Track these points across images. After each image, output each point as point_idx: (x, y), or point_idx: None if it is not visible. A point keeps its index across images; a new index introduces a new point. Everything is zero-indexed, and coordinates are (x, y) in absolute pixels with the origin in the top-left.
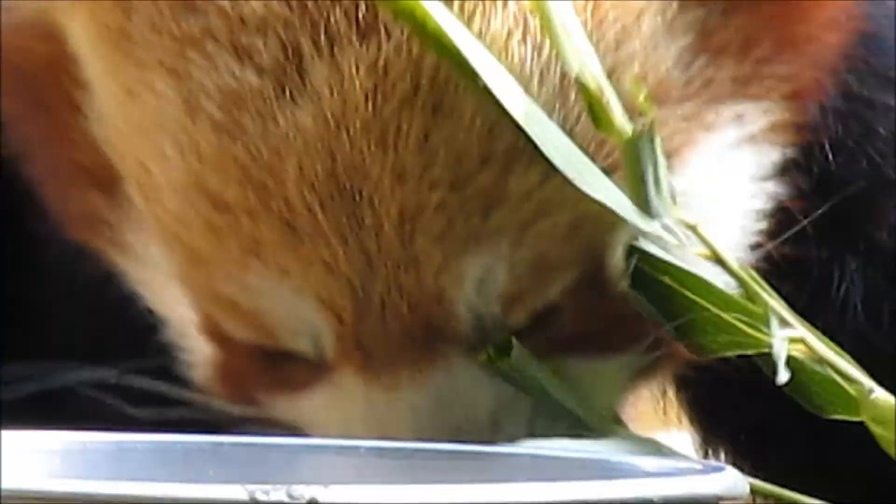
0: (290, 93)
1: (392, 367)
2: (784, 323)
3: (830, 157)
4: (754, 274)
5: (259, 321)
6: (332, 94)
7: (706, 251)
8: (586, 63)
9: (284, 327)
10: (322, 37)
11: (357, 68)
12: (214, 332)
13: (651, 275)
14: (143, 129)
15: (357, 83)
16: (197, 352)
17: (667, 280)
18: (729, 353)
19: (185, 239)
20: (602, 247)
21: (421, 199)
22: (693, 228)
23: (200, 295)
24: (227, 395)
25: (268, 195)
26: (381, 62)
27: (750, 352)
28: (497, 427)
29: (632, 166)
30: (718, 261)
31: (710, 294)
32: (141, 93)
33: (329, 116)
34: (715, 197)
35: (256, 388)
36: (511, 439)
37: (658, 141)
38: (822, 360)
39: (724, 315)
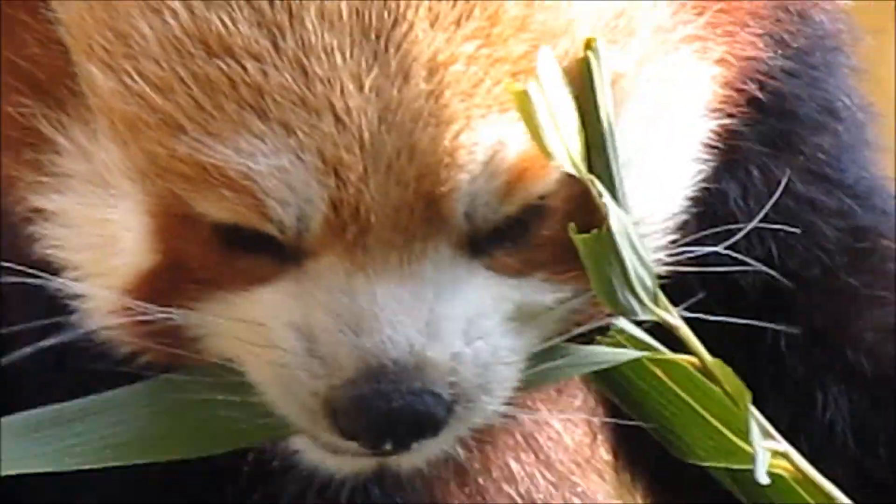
0: None
1: (383, 249)
2: (767, 435)
3: None
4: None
5: (245, 191)
6: None
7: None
8: (571, 152)
9: (275, 196)
10: None
11: None
12: (170, 219)
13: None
14: None
15: None
16: (118, 266)
17: (646, 376)
18: (715, 464)
19: (163, 107)
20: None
21: (454, 49)
22: (675, 329)
23: (168, 173)
24: (153, 302)
25: (282, 35)
26: None
27: (736, 465)
28: (468, 336)
29: (596, 265)
30: (702, 364)
31: (694, 387)
32: None
33: None
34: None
35: (199, 288)
36: (478, 353)
37: (629, 237)
38: (805, 480)
39: (708, 416)
